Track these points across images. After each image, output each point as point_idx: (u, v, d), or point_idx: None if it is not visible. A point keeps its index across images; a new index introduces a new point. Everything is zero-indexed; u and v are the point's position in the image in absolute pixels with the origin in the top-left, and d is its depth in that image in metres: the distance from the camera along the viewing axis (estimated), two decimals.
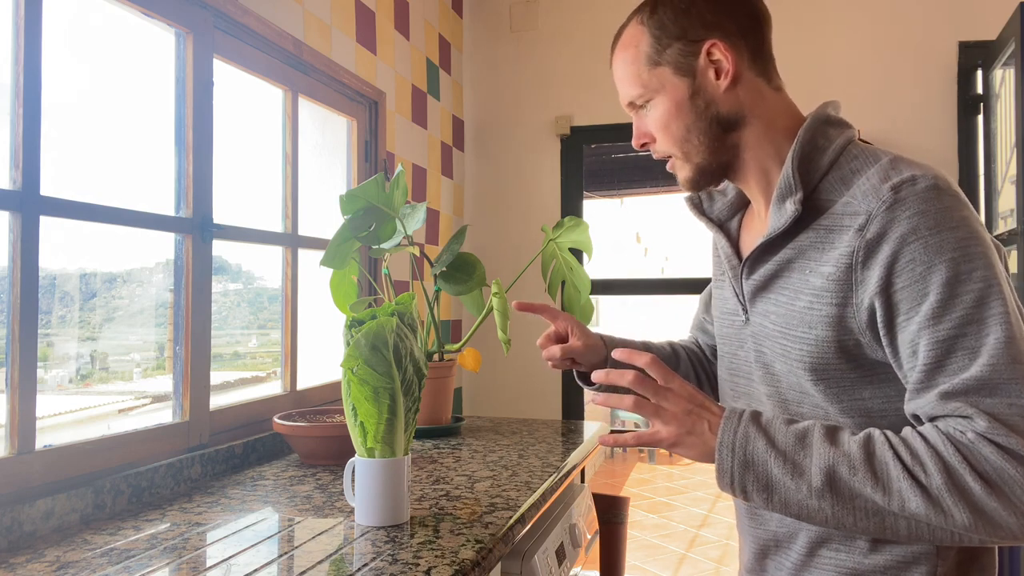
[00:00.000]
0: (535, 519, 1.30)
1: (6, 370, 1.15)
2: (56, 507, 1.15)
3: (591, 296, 1.96)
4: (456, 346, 1.91)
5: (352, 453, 1.32)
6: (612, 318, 10.27)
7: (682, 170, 1.00)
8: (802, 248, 0.91)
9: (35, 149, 1.18)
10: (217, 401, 1.61)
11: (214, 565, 1.00)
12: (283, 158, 1.91)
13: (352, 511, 1.21)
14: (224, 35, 1.65)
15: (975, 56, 2.61)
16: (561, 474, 1.51)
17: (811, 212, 0.90)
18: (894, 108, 2.69)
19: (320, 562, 1.00)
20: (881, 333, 0.84)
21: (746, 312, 1.00)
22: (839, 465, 0.79)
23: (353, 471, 1.16)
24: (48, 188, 1.20)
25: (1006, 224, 2.50)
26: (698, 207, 1.10)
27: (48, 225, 1.21)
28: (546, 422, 2.14)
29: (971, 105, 2.62)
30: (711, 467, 0.85)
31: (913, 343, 0.81)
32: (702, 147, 0.96)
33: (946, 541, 0.78)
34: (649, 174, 6.27)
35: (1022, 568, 2.29)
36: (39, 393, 1.18)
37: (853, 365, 0.88)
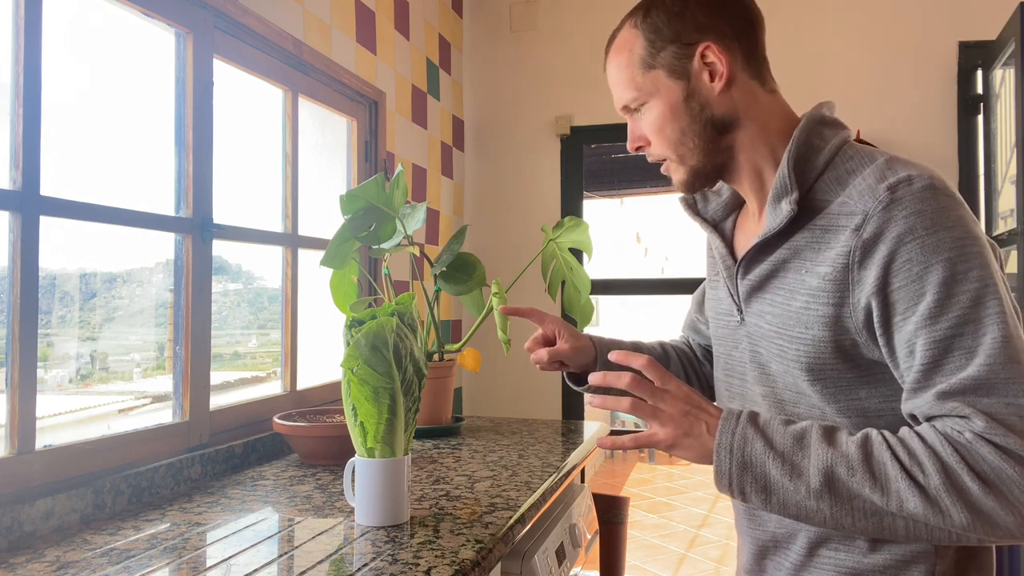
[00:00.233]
0: (535, 519, 1.30)
1: (6, 370, 1.15)
2: (56, 507, 1.15)
3: (591, 296, 1.96)
4: (456, 346, 1.91)
5: (352, 453, 1.33)
6: (612, 318, 10.27)
7: (677, 172, 1.00)
8: (798, 248, 0.91)
9: (35, 149, 1.18)
10: (217, 401, 1.61)
11: (214, 565, 1.00)
12: (283, 158, 1.91)
13: (352, 511, 1.21)
14: (224, 35, 1.65)
15: (975, 56, 2.61)
16: (561, 474, 1.51)
17: (807, 212, 0.90)
18: (894, 108, 2.69)
19: (320, 562, 1.00)
20: (878, 333, 0.84)
21: (741, 312, 1.00)
22: (837, 466, 0.79)
23: (353, 471, 1.16)
24: (48, 188, 1.20)
25: (1006, 224, 2.50)
26: (692, 208, 1.10)
27: (48, 225, 1.21)
28: (546, 422, 2.14)
29: (971, 105, 2.62)
30: (710, 467, 0.85)
31: (910, 343, 0.81)
32: (697, 149, 0.96)
33: (944, 541, 0.78)
34: (649, 174, 6.27)
35: (1022, 568, 2.29)
36: (39, 393, 1.18)
37: (850, 365, 0.88)
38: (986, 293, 0.78)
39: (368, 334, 1.08)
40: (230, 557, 1.03)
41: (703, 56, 0.93)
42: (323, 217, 2.11)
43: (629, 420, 8.55)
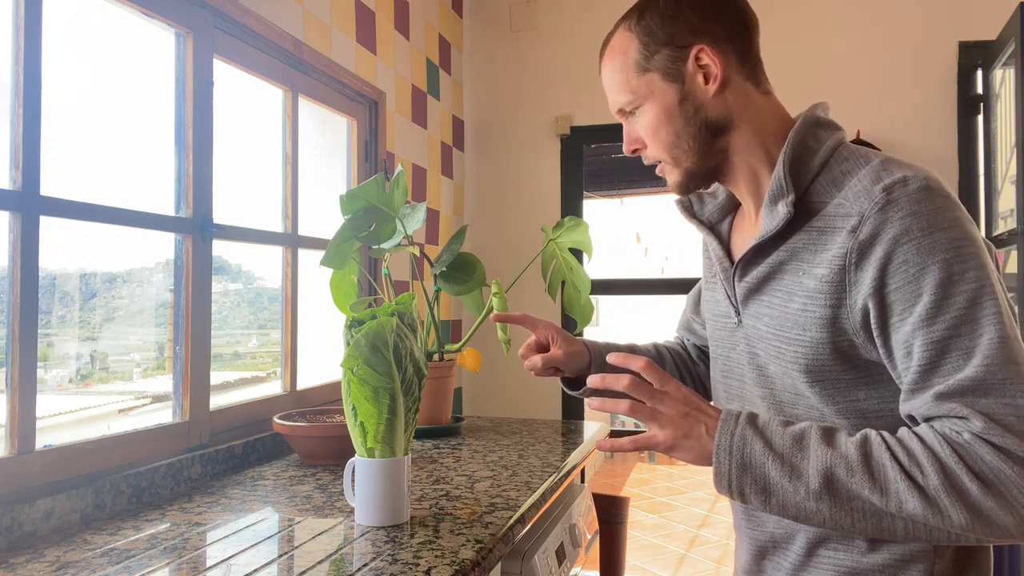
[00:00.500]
0: (535, 519, 1.30)
1: (6, 370, 1.15)
2: (56, 507, 1.15)
3: (591, 296, 1.96)
4: (456, 346, 1.91)
5: (352, 453, 1.33)
6: (612, 318, 10.27)
7: (671, 174, 1.00)
8: (795, 250, 0.91)
9: (35, 149, 1.18)
10: (217, 401, 1.61)
11: (214, 565, 1.00)
12: (283, 158, 1.92)
13: (352, 511, 1.21)
14: (224, 35, 1.65)
15: (975, 56, 2.61)
16: (561, 474, 1.51)
17: (803, 214, 0.90)
18: (894, 108, 2.69)
19: (320, 562, 1.01)
20: (875, 334, 0.84)
21: (739, 314, 1.00)
22: (836, 467, 0.79)
23: (353, 471, 1.16)
24: (48, 188, 1.20)
25: (1006, 224, 2.50)
26: (688, 210, 1.10)
27: (48, 225, 1.21)
28: (546, 422, 2.14)
29: (971, 105, 2.62)
30: (709, 469, 0.85)
31: (907, 344, 0.81)
32: (691, 152, 0.96)
33: (943, 541, 0.78)
34: (649, 174, 6.24)
35: (1022, 568, 2.29)
36: (39, 393, 1.18)
37: (848, 366, 0.88)
38: (983, 294, 0.79)
39: (368, 334, 1.08)
40: (230, 557, 1.03)
41: (697, 59, 0.93)
42: (323, 217, 2.11)
43: (629, 421, 8.55)
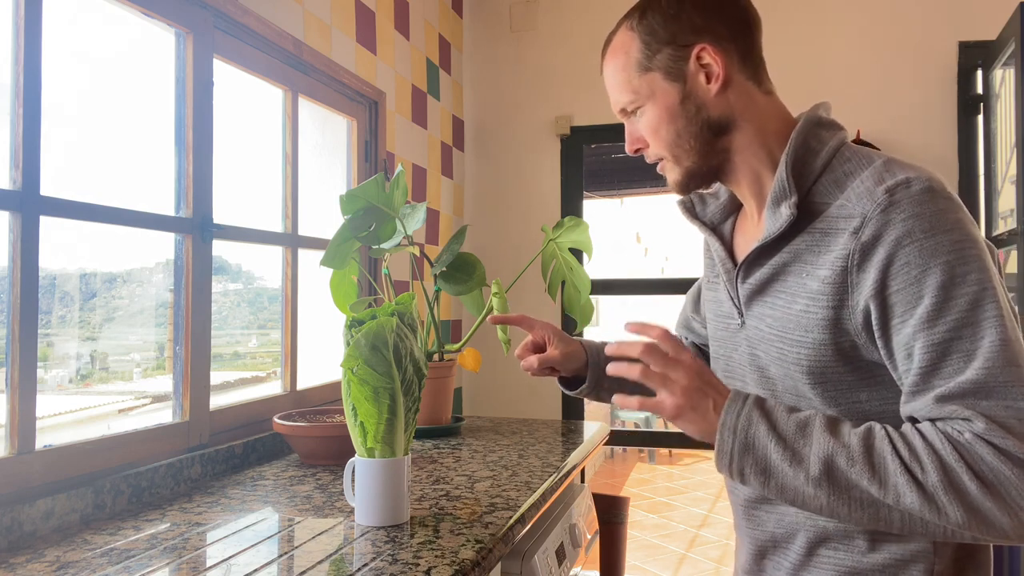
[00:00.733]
0: (535, 519, 1.30)
1: (6, 370, 1.15)
2: (56, 507, 1.15)
3: (591, 296, 1.96)
4: (456, 346, 1.91)
5: (352, 453, 1.33)
6: (612, 318, 10.26)
7: (671, 172, 1.00)
8: (798, 252, 0.91)
9: (35, 149, 1.18)
10: (217, 401, 1.61)
11: (214, 565, 1.00)
12: (283, 158, 1.91)
13: (352, 511, 1.21)
14: (224, 35, 1.65)
15: (975, 56, 2.61)
16: (561, 474, 1.51)
17: (805, 215, 0.90)
18: (894, 108, 2.69)
19: (320, 562, 1.01)
20: (876, 335, 0.84)
21: (741, 316, 1.00)
22: (837, 456, 0.79)
23: (353, 471, 1.16)
24: (48, 188, 1.20)
25: (1006, 224, 2.50)
26: (691, 211, 1.10)
27: (48, 225, 1.21)
28: (546, 422, 2.14)
29: (971, 105, 2.62)
30: (711, 467, 0.85)
31: (908, 346, 0.81)
32: (692, 151, 0.96)
33: (939, 536, 0.78)
34: (649, 174, 6.26)
35: (1022, 568, 2.29)
36: (39, 393, 1.18)
37: (850, 368, 0.88)
38: (984, 296, 0.79)
39: (368, 334, 1.08)
40: (230, 557, 1.03)
41: (699, 58, 0.93)
42: (323, 217, 2.11)
43: (630, 420, 8.56)
